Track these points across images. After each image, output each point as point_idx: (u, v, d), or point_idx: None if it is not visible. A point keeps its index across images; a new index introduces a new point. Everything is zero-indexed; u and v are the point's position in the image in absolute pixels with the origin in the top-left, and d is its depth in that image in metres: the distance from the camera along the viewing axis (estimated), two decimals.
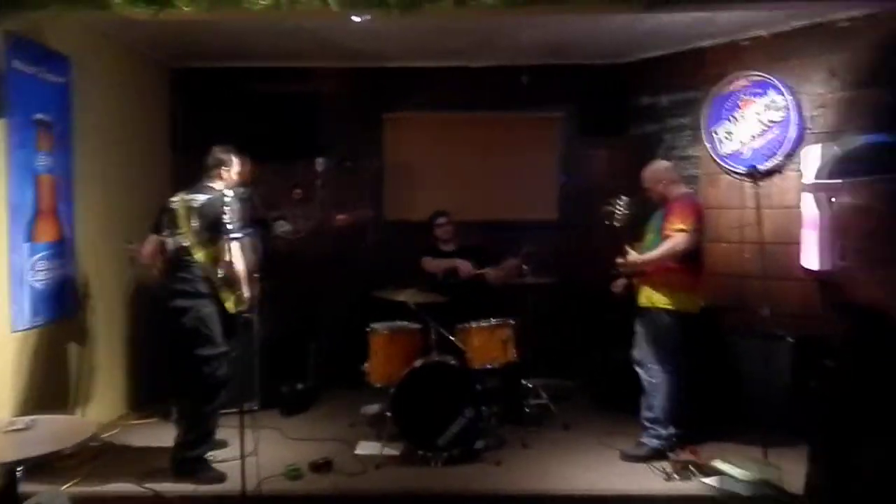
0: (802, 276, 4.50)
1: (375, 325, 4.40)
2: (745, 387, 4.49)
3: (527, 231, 5.94)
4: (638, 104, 5.65)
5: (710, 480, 3.64)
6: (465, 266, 4.87)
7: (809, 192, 4.40)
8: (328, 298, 5.73)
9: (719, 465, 3.61)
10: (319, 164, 5.82)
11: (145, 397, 4.98)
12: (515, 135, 6.06)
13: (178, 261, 3.72)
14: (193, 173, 3.97)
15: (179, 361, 3.74)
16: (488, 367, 4.23)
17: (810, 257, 4.42)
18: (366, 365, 4.35)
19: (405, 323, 4.48)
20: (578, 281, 5.59)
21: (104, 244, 4.61)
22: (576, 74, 5.81)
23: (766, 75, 4.70)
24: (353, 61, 5.77)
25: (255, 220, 5.66)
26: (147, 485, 3.60)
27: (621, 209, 3.91)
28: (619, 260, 3.91)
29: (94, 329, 4.55)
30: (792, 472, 3.49)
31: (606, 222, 3.93)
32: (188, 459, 3.65)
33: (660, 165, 4.21)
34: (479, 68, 5.80)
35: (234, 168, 3.93)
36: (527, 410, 4.53)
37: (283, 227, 5.87)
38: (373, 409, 4.68)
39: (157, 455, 3.96)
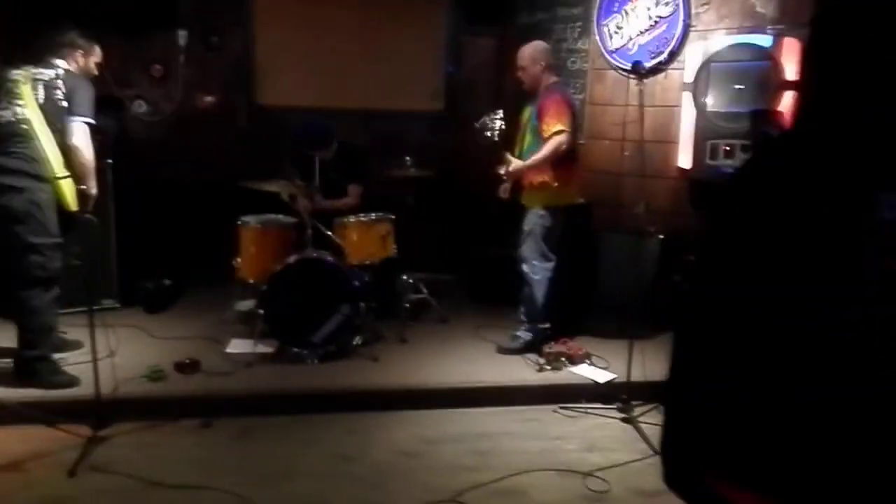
0: (676, 175, 4.66)
1: (246, 218, 4.12)
2: (614, 281, 4.66)
3: (410, 122, 5.74)
4: None
5: (578, 370, 3.81)
6: (319, 203, 4.46)
7: (689, 91, 4.47)
8: (193, 188, 5.31)
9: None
10: (182, 37, 5.22)
11: None
12: (398, 17, 5.68)
13: (12, 135, 3.26)
14: (18, 40, 3.40)
15: (4, 249, 3.31)
16: (367, 262, 4.10)
17: (685, 156, 4.55)
18: (237, 260, 4.10)
19: (279, 216, 4.22)
20: (462, 174, 5.50)
21: None
22: None
23: None
24: None
25: (109, 98, 5.07)
26: None
27: (498, 123, 3.81)
28: (502, 170, 3.83)
29: None
30: (655, 358, 3.72)
31: (483, 137, 3.81)
32: (28, 359, 3.34)
33: (539, 45, 4.06)
34: None
35: (93, 56, 3.56)
36: (406, 305, 4.48)
37: (140, 107, 5.32)
38: (245, 305, 4.46)
39: None
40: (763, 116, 3.75)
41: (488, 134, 3.81)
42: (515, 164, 3.83)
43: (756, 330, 1.05)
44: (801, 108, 1.18)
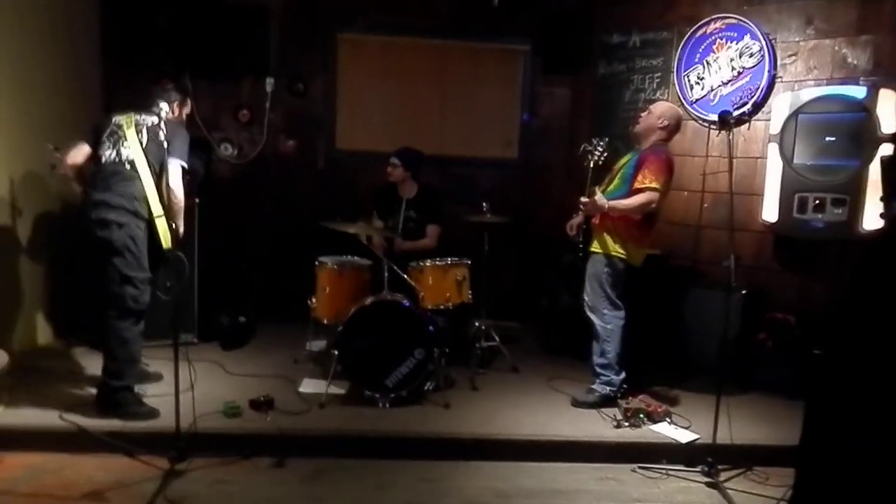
0: (761, 228, 4.51)
1: (324, 259, 4.18)
2: (695, 336, 4.50)
3: (484, 168, 5.79)
4: (607, 42, 5.42)
5: (658, 428, 3.64)
6: (399, 245, 4.54)
7: (775, 142, 4.35)
8: (273, 228, 5.45)
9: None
10: (269, 84, 5.45)
11: (72, 325, 4.64)
12: (477, 66, 5.79)
13: (115, 173, 3.44)
14: (124, 87, 3.60)
15: (101, 280, 3.43)
16: (441, 307, 4.08)
17: (770, 209, 4.40)
18: (312, 300, 4.15)
19: (355, 258, 4.27)
20: (534, 222, 5.47)
21: (27, 165, 4.17)
22: (542, 6, 5.52)
23: (742, 18, 4.53)
24: None
25: (198, 141, 5.31)
26: (71, 417, 3.35)
27: (600, 151, 3.78)
28: (584, 199, 3.76)
29: (14, 253, 4.16)
30: (741, 419, 3.54)
31: (584, 164, 3.78)
32: (113, 389, 3.41)
33: (676, 108, 4.04)
34: None
35: (186, 107, 3.81)
36: (477, 352, 4.43)
37: (227, 150, 5.54)
38: (319, 345, 4.50)
39: (83, 385, 3.71)
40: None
41: (589, 158, 3.80)
42: (600, 198, 3.75)
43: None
44: None
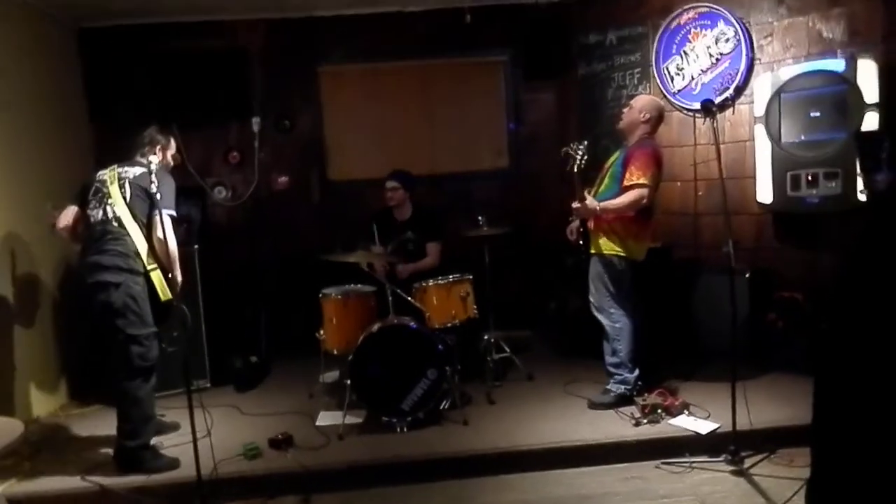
0: (757, 210, 4.51)
1: (327, 290, 4.20)
2: (705, 324, 4.49)
3: (478, 181, 5.81)
4: (585, 42, 5.46)
5: (677, 421, 3.63)
6: (403, 269, 4.59)
7: (761, 124, 4.36)
8: (275, 265, 5.48)
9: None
10: (255, 124, 5.50)
11: (86, 385, 4.67)
12: (458, 82, 5.84)
13: (105, 233, 3.42)
14: (113, 143, 3.63)
15: (106, 342, 3.45)
16: (449, 325, 4.09)
17: (764, 190, 4.41)
18: (320, 332, 4.16)
19: (358, 286, 4.29)
20: (533, 228, 5.48)
21: (24, 227, 4.22)
22: (516, 15, 5.57)
23: (713, 6, 4.56)
24: (280, 12, 5.40)
25: (192, 189, 5.36)
26: (93, 478, 3.35)
27: (581, 154, 3.74)
28: (576, 204, 3.77)
29: (21, 315, 4.20)
30: (759, 402, 3.52)
31: (567, 168, 3.75)
32: (130, 449, 3.40)
33: (656, 100, 4.06)
34: (415, 13, 5.52)
35: (170, 149, 3.74)
36: (490, 365, 4.43)
37: (220, 193, 5.58)
38: (332, 377, 4.51)
39: (102, 445, 3.71)
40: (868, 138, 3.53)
41: (571, 163, 3.74)
42: (590, 201, 3.76)
43: None
44: None
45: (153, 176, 3.27)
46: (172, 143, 3.76)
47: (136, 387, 3.42)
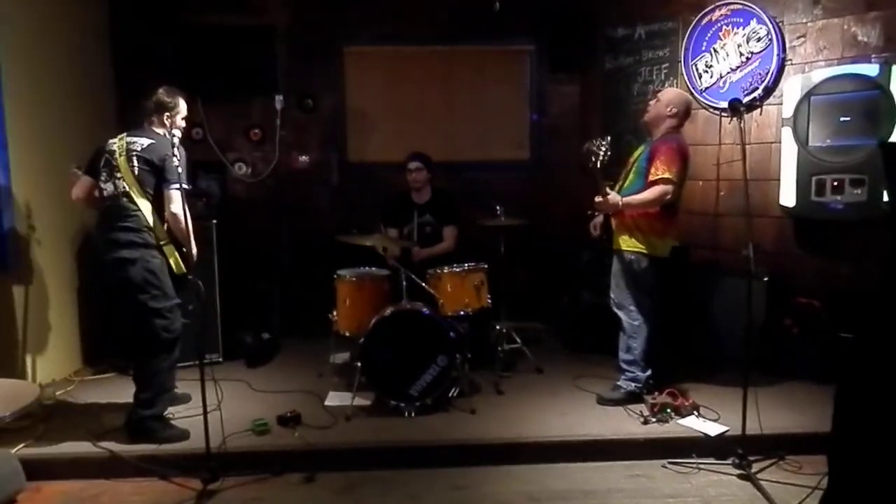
0: (779, 213, 4.45)
1: (342, 272, 4.21)
2: (720, 326, 4.46)
3: (497, 171, 5.78)
4: (613, 36, 5.40)
5: (686, 422, 3.61)
6: (418, 252, 4.60)
7: (789, 126, 4.30)
8: (291, 243, 5.50)
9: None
10: (278, 101, 5.50)
11: (101, 351, 4.72)
12: (483, 69, 5.80)
13: (117, 208, 3.42)
14: (137, 112, 3.63)
15: (129, 317, 3.47)
16: (461, 313, 4.09)
17: (787, 194, 4.35)
18: (333, 313, 4.18)
19: (373, 269, 4.30)
20: (550, 221, 5.46)
21: (45, 191, 4.26)
22: (544, 5, 5.51)
23: (747, 4, 4.48)
24: None
25: (212, 163, 5.39)
26: (104, 444, 3.40)
27: (604, 150, 3.62)
28: (598, 199, 3.72)
29: (39, 281, 4.25)
30: (770, 407, 3.49)
31: (588, 165, 3.64)
32: (145, 418, 3.45)
33: (684, 94, 3.99)
34: None
35: (180, 112, 3.60)
36: (500, 355, 4.43)
37: (241, 169, 5.60)
38: (342, 358, 4.53)
39: (114, 412, 3.76)
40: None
41: (593, 160, 3.61)
42: (613, 196, 3.71)
43: None
44: None
45: (175, 150, 3.27)
46: (181, 104, 3.58)
47: (160, 360, 3.46)
